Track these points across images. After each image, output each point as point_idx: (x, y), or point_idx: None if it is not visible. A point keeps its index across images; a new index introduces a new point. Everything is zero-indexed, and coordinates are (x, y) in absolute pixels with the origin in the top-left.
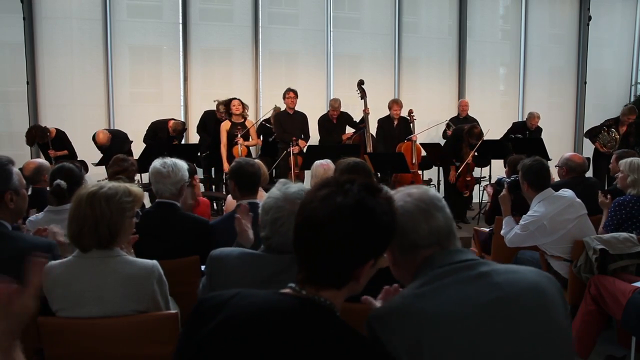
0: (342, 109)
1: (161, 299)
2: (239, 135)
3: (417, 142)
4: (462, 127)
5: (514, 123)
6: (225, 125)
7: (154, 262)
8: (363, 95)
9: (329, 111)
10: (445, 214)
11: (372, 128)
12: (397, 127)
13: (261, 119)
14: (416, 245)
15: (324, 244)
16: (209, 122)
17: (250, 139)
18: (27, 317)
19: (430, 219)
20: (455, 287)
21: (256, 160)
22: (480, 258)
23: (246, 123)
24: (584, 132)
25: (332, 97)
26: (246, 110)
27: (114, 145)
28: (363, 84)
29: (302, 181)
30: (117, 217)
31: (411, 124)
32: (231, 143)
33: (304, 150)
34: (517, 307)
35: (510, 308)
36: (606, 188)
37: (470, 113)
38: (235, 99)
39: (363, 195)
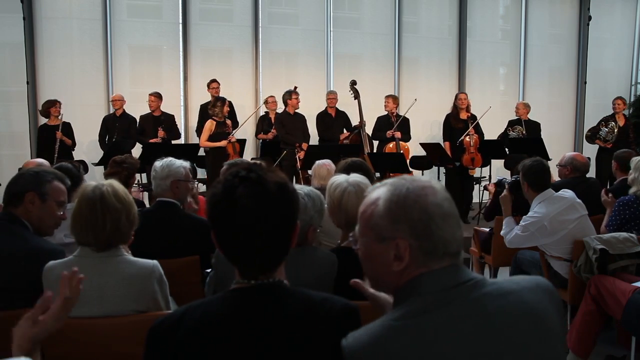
0: (341, 109)
1: (161, 299)
2: (232, 134)
3: (402, 143)
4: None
5: (509, 121)
6: (211, 124)
7: (155, 262)
8: (357, 95)
9: (327, 107)
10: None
11: (369, 129)
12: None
13: (261, 111)
14: (447, 254)
15: (269, 229)
16: (207, 113)
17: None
18: (55, 328)
19: (459, 227)
20: (441, 325)
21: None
22: (475, 276)
23: (227, 122)
24: (585, 137)
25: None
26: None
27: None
28: (356, 84)
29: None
30: (125, 216)
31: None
32: (217, 141)
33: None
34: (508, 344)
35: (499, 346)
36: (608, 187)
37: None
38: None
39: (269, 176)
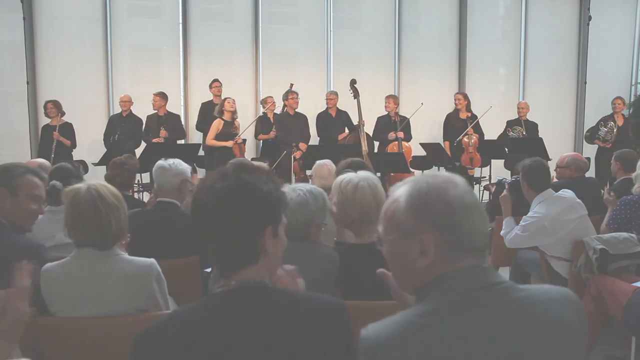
0: (341, 109)
1: (160, 297)
2: (239, 135)
3: (405, 143)
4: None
5: (507, 121)
6: (218, 123)
7: (152, 260)
8: (356, 94)
9: (327, 107)
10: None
11: (369, 129)
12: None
13: (260, 112)
14: (473, 249)
15: (220, 226)
16: (208, 112)
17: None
18: (21, 320)
19: (484, 219)
20: (465, 327)
21: (261, 163)
22: (505, 280)
23: (235, 123)
24: (584, 137)
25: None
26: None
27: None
28: (356, 83)
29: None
30: (122, 212)
31: (396, 123)
32: (224, 140)
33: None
34: (531, 354)
35: (522, 355)
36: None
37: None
38: (228, 97)
39: (240, 174)
